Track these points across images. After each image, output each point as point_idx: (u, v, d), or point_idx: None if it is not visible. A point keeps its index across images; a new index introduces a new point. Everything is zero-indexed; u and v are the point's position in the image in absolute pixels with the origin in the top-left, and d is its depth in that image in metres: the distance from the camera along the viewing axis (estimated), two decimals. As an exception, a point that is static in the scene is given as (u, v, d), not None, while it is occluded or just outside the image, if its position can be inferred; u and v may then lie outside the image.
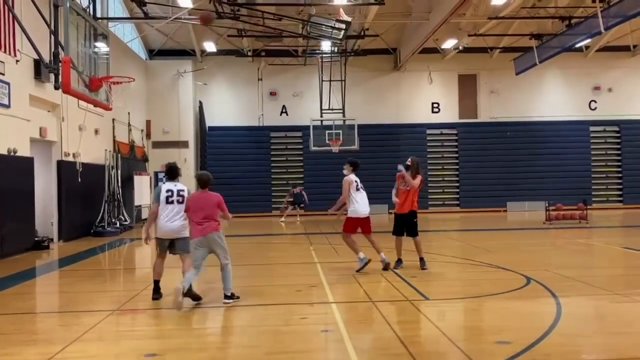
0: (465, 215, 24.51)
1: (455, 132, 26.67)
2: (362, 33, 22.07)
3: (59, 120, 15.31)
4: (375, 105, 26.10)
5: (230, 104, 26.19)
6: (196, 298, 6.95)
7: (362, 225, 9.22)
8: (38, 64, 13.16)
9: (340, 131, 23.16)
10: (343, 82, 24.28)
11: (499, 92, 26.56)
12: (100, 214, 17.41)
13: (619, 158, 26.78)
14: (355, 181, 9.21)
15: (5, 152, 12.29)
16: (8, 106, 12.49)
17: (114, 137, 19.42)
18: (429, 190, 25.56)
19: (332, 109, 23.96)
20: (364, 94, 25.93)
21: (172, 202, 7.26)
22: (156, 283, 7.37)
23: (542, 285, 7.80)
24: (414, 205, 9.46)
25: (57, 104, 14.99)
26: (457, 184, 26.58)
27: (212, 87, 25.93)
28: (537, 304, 6.89)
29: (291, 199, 22.41)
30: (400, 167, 9.52)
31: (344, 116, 23.77)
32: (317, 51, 23.66)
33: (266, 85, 26.28)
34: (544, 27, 21.41)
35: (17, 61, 12.73)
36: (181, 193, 7.35)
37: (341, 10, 16.01)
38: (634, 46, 26.33)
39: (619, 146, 26.83)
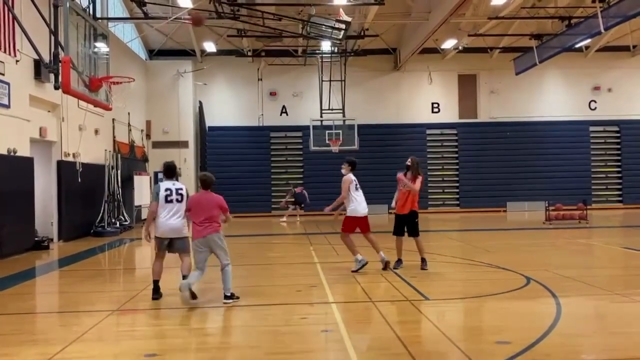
0: (465, 215, 24.51)
1: (455, 132, 26.67)
2: (362, 33, 22.07)
3: (59, 121, 15.30)
4: (375, 105, 26.10)
5: (230, 104, 26.19)
6: (192, 296, 6.97)
7: (360, 224, 9.22)
8: (38, 64, 13.16)
9: (340, 131, 23.16)
10: (343, 82, 24.29)
11: (499, 92, 26.56)
12: (100, 214, 17.41)
13: (619, 158, 26.78)
14: (354, 180, 9.23)
15: (5, 152, 12.29)
16: (8, 106, 12.49)
17: (114, 137, 19.42)
18: (429, 190, 25.56)
19: (332, 109, 23.96)
20: (364, 94, 25.92)
21: (171, 201, 7.26)
22: (156, 283, 7.37)
23: (542, 285, 7.81)
24: (414, 205, 9.46)
25: (57, 104, 14.99)
26: (457, 184, 26.58)
27: (212, 87, 25.93)
28: (537, 304, 6.89)
29: (292, 199, 22.41)
30: (400, 174, 9.52)
31: (344, 116, 23.78)
32: (317, 51, 23.66)
33: (266, 85, 26.28)
34: (544, 27, 21.41)
35: (17, 61, 12.74)
36: (180, 192, 7.35)
37: (341, 10, 16.01)
38: (634, 46, 26.33)
39: (618, 146, 26.82)
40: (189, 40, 24.42)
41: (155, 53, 25.54)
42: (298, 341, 5.51)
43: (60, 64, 8.85)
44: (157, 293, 7.34)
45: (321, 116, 23.76)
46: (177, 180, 7.66)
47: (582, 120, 26.63)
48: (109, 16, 18.23)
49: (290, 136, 26.27)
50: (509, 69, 23.88)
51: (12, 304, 7.64)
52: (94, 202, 17.22)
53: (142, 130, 23.48)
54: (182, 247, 7.39)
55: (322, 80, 24.09)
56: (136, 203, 20.46)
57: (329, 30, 15.58)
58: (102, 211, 17.46)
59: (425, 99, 26.64)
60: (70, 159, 15.75)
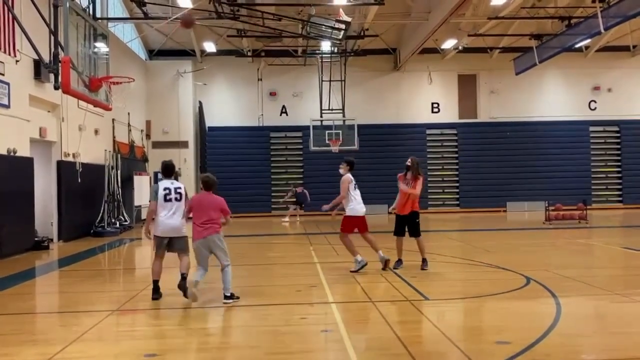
0: (465, 216, 24.51)
1: (455, 132, 26.67)
2: (362, 33, 22.07)
3: (59, 121, 15.30)
4: (375, 105, 26.10)
5: (230, 104, 26.19)
6: (187, 294, 7.00)
7: (359, 224, 9.22)
8: (38, 64, 13.15)
9: (340, 131, 23.16)
10: (343, 82, 24.29)
11: (499, 92, 26.56)
12: (100, 214, 17.41)
13: (619, 158, 26.77)
14: (353, 180, 9.23)
15: (5, 153, 12.29)
16: (8, 106, 12.49)
17: (113, 137, 19.42)
18: (429, 191, 25.54)
19: (332, 109, 23.96)
20: (364, 94, 25.92)
21: (170, 200, 7.28)
22: (155, 283, 7.37)
23: (542, 286, 7.81)
24: (415, 206, 9.45)
25: (57, 104, 14.99)
26: (457, 184, 26.58)
27: (212, 87, 25.93)
28: (537, 304, 6.89)
29: (293, 199, 22.39)
30: (399, 175, 9.53)
31: (343, 116, 23.78)
32: (317, 51, 23.66)
33: (266, 85, 26.28)
34: (544, 27, 21.41)
35: (17, 61, 12.74)
36: (178, 190, 7.38)
37: (341, 10, 16.01)
38: (634, 46, 26.33)
39: (618, 146, 26.82)
40: (188, 41, 24.42)
41: (155, 53, 25.54)
42: (298, 341, 5.51)
43: (60, 64, 8.86)
44: (157, 293, 7.35)
45: (321, 116, 23.76)
46: (175, 179, 7.67)
47: (582, 120, 26.63)
48: (109, 16, 18.24)
49: (290, 136, 26.27)
50: (508, 69, 23.88)
51: (12, 304, 7.64)
52: (93, 202, 17.22)
53: (142, 131, 23.48)
54: (181, 246, 7.40)
55: (322, 81, 24.10)
56: (136, 203, 20.46)
57: (329, 30, 15.58)
58: (102, 211, 17.46)
59: (425, 99, 26.64)
60: (70, 159, 15.75)
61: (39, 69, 13.37)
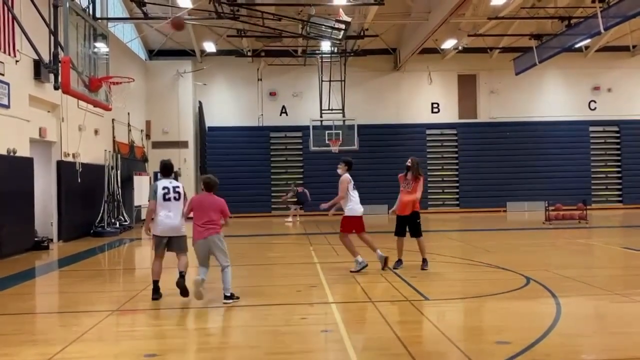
0: (464, 216, 24.51)
1: (455, 132, 26.67)
2: (362, 33, 22.07)
3: (59, 121, 15.30)
4: (375, 105, 26.10)
5: (230, 104, 26.19)
6: (184, 292, 7.01)
7: (357, 224, 9.22)
8: (38, 64, 13.15)
9: (340, 131, 23.16)
10: (343, 82, 24.29)
11: (499, 92, 26.56)
12: (100, 214, 17.41)
13: (619, 158, 26.78)
14: (352, 180, 9.23)
15: (5, 153, 12.29)
16: (8, 106, 12.48)
17: (113, 137, 19.42)
18: (429, 191, 25.52)
19: (332, 109, 23.96)
20: (364, 94, 25.93)
21: (169, 200, 7.30)
22: (155, 283, 7.37)
23: (542, 286, 7.81)
24: (416, 206, 9.45)
25: (56, 104, 14.99)
26: (457, 184, 26.58)
27: (212, 87, 25.92)
28: (537, 304, 6.89)
29: (295, 199, 22.37)
30: (400, 175, 9.55)
31: (343, 116, 23.78)
32: (317, 51, 23.66)
33: (266, 85, 26.28)
34: (544, 27, 21.41)
35: (17, 61, 12.74)
36: (177, 190, 7.40)
37: (341, 10, 16.00)
38: (634, 46, 26.34)
39: (618, 146, 26.82)
40: (188, 41, 24.42)
41: (155, 53, 25.54)
42: (298, 341, 5.50)
43: (60, 64, 8.86)
44: (157, 293, 7.35)
45: (321, 116, 23.76)
46: (174, 179, 7.68)
47: (582, 120, 26.64)
48: (109, 16, 18.25)
49: (290, 136, 26.26)
50: (508, 69, 23.88)
51: (12, 304, 7.64)
52: (93, 203, 17.22)
53: (141, 131, 23.48)
54: (180, 245, 7.42)
55: (322, 81, 24.09)
56: (136, 203, 20.46)
57: (329, 30, 15.58)
58: (101, 211, 17.46)
59: (425, 99, 26.64)
60: (70, 159, 15.75)
61: (39, 69, 13.37)
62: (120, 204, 18.68)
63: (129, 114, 20.68)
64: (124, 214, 18.82)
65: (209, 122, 25.80)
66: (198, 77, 25.49)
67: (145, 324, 6.45)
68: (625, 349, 5.10)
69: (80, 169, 16.14)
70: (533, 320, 6.10)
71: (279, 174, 26.05)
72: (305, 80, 25.83)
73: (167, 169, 7.60)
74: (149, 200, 7.43)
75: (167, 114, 24.51)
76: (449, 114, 26.64)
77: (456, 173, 26.58)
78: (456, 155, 26.63)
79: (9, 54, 12.22)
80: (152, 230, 7.35)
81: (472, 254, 11.41)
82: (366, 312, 6.67)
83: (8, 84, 12.44)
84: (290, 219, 21.96)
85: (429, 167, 25.70)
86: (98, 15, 12.91)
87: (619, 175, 26.74)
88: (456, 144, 26.68)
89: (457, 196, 26.59)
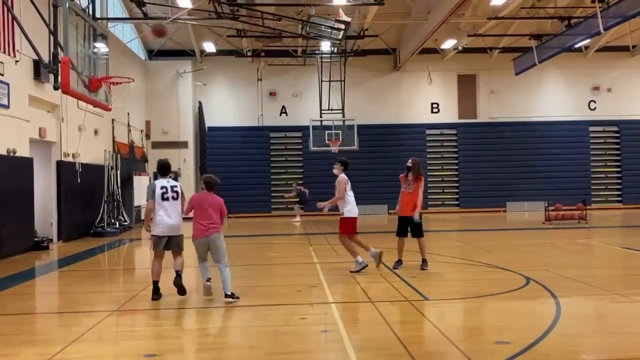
0: (464, 216, 24.51)
1: (454, 132, 26.66)
2: (362, 33, 22.07)
3: (59, 121, 15.30)
4: (375, 105, 26.10)
5: (230, 104, 26.18)
6: (181, 291, 7.02)
7: (353, 226, 9.23)
8: (37, 64, 13.15)
9: (340, 131, 23.15)
10: (342, 83, 24.28)
11: (499, 93, 26.55)
12: (100, 214, 17.41)
13: (619, 158, 26.77)
14: (348, 181, 9.23)
15: (4, 153, 12.29)
16: (7, 107, 12.48)
17: (113, 137, 19.41)
18: (429, 191, 25.49)
19: (332, 109, 23.94)
20: (364, 94, 25.93)
21: (167, 199, 7.33)
22: (155, 284, 7.38)
23: (542, 286, 7.81)
24: (418, 208, 9.43)
25: (56, 104, 14.98)
26: (457, 184, 26.58)
27: (212, 87, 25.92)
28: (537, 304, 6.89)
29: (297, 199, 22.33)
30: (401, 176, 9.56)
31: (343, 116, 23.77)
32: (317, 51, 23.66)
33: (266, 85, 26.28)
34: (544, 27, 21.41)
35: (17, 62, 12.74)
36: (175, 189, 7.44)
37: (340, 10, 15.99)
38: (634, 46, 26.33)
39: (618, 146, 26.82)
40: (188, 41, 24.41)
41: (154, 53, 25.54)
42: (298, 341, 5.51)
43: (59, 64, 8.85)
44: (157, 293, 7.35)
45: (321, 116, 23.75)
46: (173, 179, 7.69)
47: (581, 120, 26.63)
48: (109, 16, 18.22)
49: (290, 136, 26.26)
50: (508, 69, 23.88)
51: (12, 304, 7.64)
52: (93, 203, 17.22)
53: (141, 131, 23.48)
54: (177, 244, 7.46)
55: (322, 81, 24.08)
56: (136, 203, 20.46)
57: (329, 30, 15.57)
58: (101, 211, 17.46)
59: (424, 99, 26.64)
60: (70, 159, 15.75)
61: (39, 69, 13.36)
62: (120, 204, 18.67)
63: (128, 114, 20.68)
64: (124, 214, 18.82)
65: (209, 122, 25.80)
66: (198, 77, 25.48)
67: (145, 324, 6.45)
68: (625, 349, 5.10)
69: (80, 169, 16.14)
70: (533, 320, 6.10)
71: (278, 174, 26.04)
72: (305, 80, 25.83)
73: (164, 169, 7.62)
74: (147, 200, 7.45)
75: (167, 114, 24.50)
76: (449, 114, 26.64)
77: (456, 173, 26.58)
78: (456, 156, 26.63)
79: (9, 54, 12.22)
80: (151, 230, 7.37)
81: (472, 254, 11.41)
82: (366, 312, 6.67)
83: (8, 84, 12.44)
84: (297, 218, 21.87)
85: (428, 167, 25.69)
86: (98, 15, 12.89)
87: (619, 175, 26.74)
88: (456, 144, 26.68)
89: (457, 196, 26.58)
